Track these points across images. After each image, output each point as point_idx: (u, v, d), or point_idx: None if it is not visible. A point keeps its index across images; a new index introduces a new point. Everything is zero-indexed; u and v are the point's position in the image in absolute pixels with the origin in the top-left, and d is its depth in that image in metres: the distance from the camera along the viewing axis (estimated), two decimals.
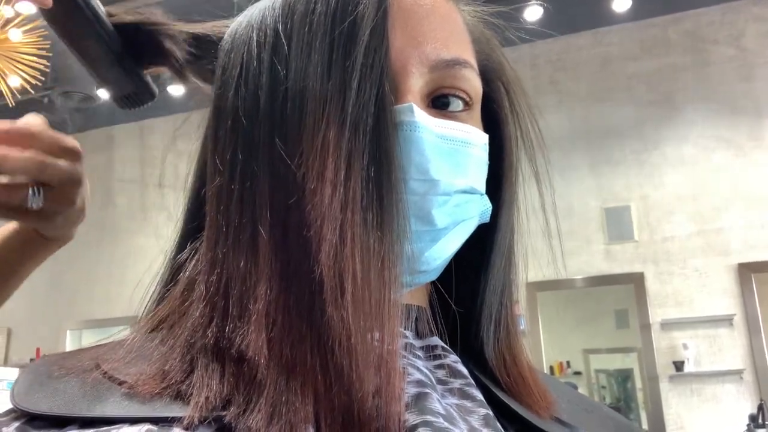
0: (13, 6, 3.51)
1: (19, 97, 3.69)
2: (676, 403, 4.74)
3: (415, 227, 0.44)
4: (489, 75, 0.54)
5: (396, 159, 0.41)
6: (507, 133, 0.54)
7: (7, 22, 3.49)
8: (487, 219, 0.51)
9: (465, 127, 0.48)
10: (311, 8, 0.44)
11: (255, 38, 0.46)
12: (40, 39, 3.55)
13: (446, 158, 0.46)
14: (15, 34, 3.48)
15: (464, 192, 0.47)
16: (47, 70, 3.60)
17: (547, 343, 5.26)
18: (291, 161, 0.41)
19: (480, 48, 0.54)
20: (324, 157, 0.40)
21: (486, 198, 0.51)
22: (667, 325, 4.86)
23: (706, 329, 4.78)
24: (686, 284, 4.88)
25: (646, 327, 4.92)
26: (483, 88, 0.51)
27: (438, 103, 0.47)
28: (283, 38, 0.44)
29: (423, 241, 0.45)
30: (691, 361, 4.72)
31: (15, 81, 3.59)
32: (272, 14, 0.46)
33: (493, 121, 0.54)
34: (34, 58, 3.54)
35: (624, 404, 5.89)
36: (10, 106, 3.62)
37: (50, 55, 3.59)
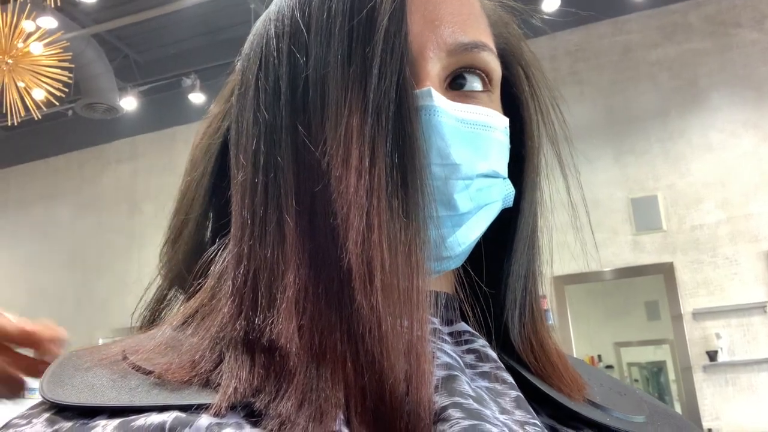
0: (34, 20, 3.57)
1: (44, 109, 3.74)
2: (711, 394, 4.68)
3: (439, 212, 0.43)
4: (508, 59, 0.54)
5: (419, 144, 0.41)
6: (528, 116, 0.54)
7: (28, 36, 3.55)
8: (510, 203, 0.51)
9: (485, 111, 0.47)
10: None
11: (273, 30, 0.46)
12: (61, 51, 3.60)
13: (467, 142, 0.46)
14: (36, 48, 3.54)
15: (486, 176, 0.47)
16: (70, 81, 3.65)
17: (577, 338, 5.22)
18: (315, 149, 0.41)
19: (498, 32, 0.53)
20: (348, 144, 0.40)
21: (508, 182, 0.50)
22: (699, 315, 4.79)
23: (739, 318, 4.71)
24: (717, 273, 4.81)
25: (677, 317, 4.86)
26: (503, 72, 0.51)
27: (455, 84, 0.47)
28: (302, 26, 0.44)
29: (446, 226, 0.45)
30: (725, 350, 4.66)
31: (39, 94, 3.64)
32: (289, 4, 0.47)
33: (513, 105, 0.54)
34: (57, 71, 3.60)
35: (658, 397, 5.82)
36: (36, 119, 3.68)
37: (72, 66, 3.64)
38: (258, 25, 0.50)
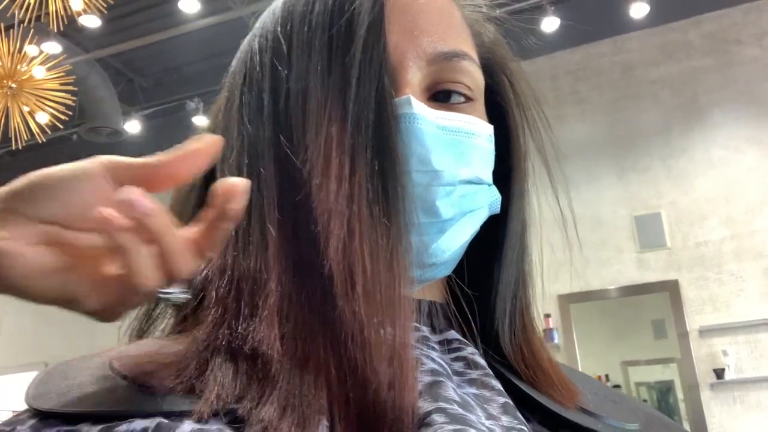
0: (38, 45, 3.60)
1: (49, 133, 3.76)
2: (719, 412, 4.63)
3: (420, 219, 0.44)
4: (492, 68, 0.54)
5: (399, 151, 0.42)
6: (513, 124, 0.54)
7: (32, 60, 3.58)
8: (497, 210, 0.51)
9: (467, 118, 0.48)
10: (310, 8, 0.45)
11: (257, 45, 0.48)
12: (63, 74, 3.63)
13: (449, 149, 0.46)
14: (39, 72, 3.57)
15: (469, 182, 0.47)
16: (74, 104, 3.67)
17: (583, 357, 5.18)
18: (296, 158, 0.41)
19: (481, 41, 0.54)
20: (328, 152, 0.40)
21: (494, 188, 0.51)
22: (706, 332, 4.76)
23: (745, 334, 4.68)
24: (722, 289, 4.79)
25: (683, 335, 4.83)
26: (486, 81, 0.52)
27: (439, 96, 0.48)
28: (282, 40, 0.45)
29: (429, 233, 0.45)
30: (732, 368, 4.62)
31: (43, 118, 3.67)
32: (272, 19, 0.48)
33: (499, 114, 0.54)
34: (61, 94, 3.62)
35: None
36: (40, 142, 3.70)
37: (76, 89, 3.67)
38: (244, 42, 0.51)
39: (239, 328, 0.40)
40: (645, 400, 5.91)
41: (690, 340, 4.79)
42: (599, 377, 5.60)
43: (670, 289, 4.92)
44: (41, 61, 3.60)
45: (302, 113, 0.42)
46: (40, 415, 0.38)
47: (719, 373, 4.63)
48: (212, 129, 0.54)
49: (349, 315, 0.38)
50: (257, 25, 0.50)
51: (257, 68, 0.46)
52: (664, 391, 5.91)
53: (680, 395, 5.45)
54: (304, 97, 0.43)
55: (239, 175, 0.44)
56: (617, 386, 5.77)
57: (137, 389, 0.38)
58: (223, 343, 0.40)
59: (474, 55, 0.50)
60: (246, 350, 0.39)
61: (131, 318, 0.52)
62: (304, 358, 0.38)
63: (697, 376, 4.73)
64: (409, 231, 0.41)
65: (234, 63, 0.50)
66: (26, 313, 6.75)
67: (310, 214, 0.40)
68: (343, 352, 0.37)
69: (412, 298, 0.40)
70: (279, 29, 0.46)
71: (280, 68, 0.44)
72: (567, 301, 5.05)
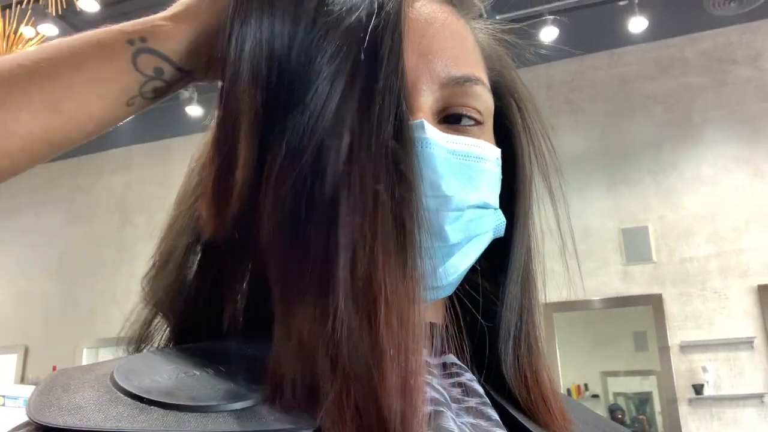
0: (34, 26, 3.57)
1: None
2: (696, 428, 4.66)
3: (429, 243, 0.43)
4: (501, 91, 0.54)
5: (417, 177, 0.41)
6: (519, 148, 0.54)
7: (28, 41, 3.55)
8: (501, 233, 0.51)
9: (477, 142, 0.48)
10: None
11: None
12: None
13: (458, 174, 0.46)
14: None
15: (477, 207, 0.47)
16: None
17: (564, 366, 5.21)
18: (313, 189, 0.40)
19: (492, 64, 0.54)
20: (353, 181, 0.39)
21: (500, 212, 0.51)
22: (687, 348, 4.79)
23: (726, 352, 4.71)
24: (705, 306, 4.82)
25: (664, 349, 4.85)
26: (495, 103, 0.52)
27: (450, 119, 0.48)
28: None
29: (437, 257, 0.45)
30: (711, 384, 4.65)
31: None
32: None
33: (505, 136, 0.54)
34: None
35: (643, 429, 5.80)
36: None
37: None
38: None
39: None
40: (622, 410, 5.95)
41: (671, 355, 4.82)
42: (578, 386, 5.62)
43: (654, 303, 4.95)
44: (37, 42, 3.57)
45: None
46: (42, 430, 0.38)
47: (698, 389, 4.66)
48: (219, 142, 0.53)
49: (369, 345, 0.37)
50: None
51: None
52: (642, 403, 5.95)
53: (657, 407, 5.49)
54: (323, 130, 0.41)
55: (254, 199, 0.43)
56: (596, 396, 5.80)
57: (139, 407, 0.38)
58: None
59: (485, 79, 0.50)
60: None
61: (129, 323, 0.52)
62: (317, 389, 0.37)
63: (675, 391, 4.75)
64: (424, 258, 0.41)
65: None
66: (7, 296, 6.70)
67: (335, 243, 0.39)
68: (359, 382, 0.37)
69: (424, 327, 0.40)
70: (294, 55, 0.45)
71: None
72: (551, 309, 5.07)
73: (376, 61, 0.42)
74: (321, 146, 0.40)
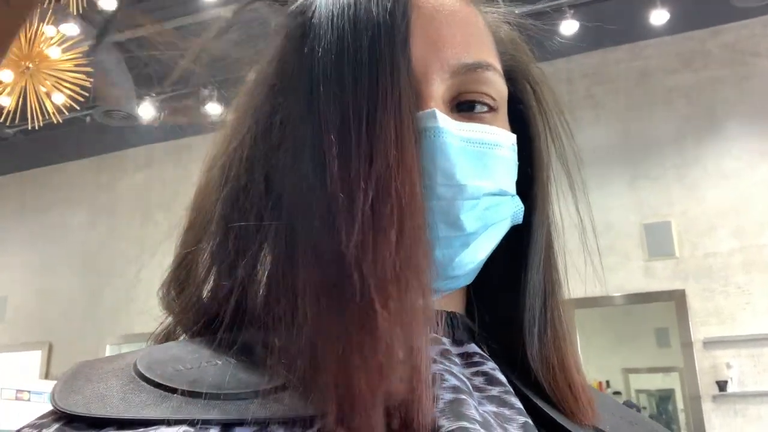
0: (56, 26, 3.61)
1: (66, 114, 3.77)
2: (719, 425, 4.61)
3: (445, 233, 0.44)
4: (514, 75, 0.54)
5: (424, 165, 0.41)
6: (535, 131, 0.54)
7: (47, 40, 3.58)
8: (519, 220, 0.51)
9: (491, 129, 0.47)
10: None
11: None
12: (79, 55, 3.64)
13: (473, 161, 0.45)
14: (54, 52, 3.57)
15: (493, 195, 0.47)
16: (89, 85, 3.67)
17: (585, 362, 5.17)
18: (320, 184, 0.41)
19: (504, 49, 0.53)
20: (355, 178, 0.40)
21: (517, 199, 0.50)
22: (710, 344, 4.74)
23: (749, 348, 4.65)
24: (729, 302, 4.77)
25: (687, 345, 4.81)
26: (509, 88, 0.51)
27: (463, 107, 0.47)
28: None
29: (453, 246, 0.45)
30: (735, 380, 4.60)
31: (59, 98, 3.67)
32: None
33: (521, 121, 0.53)
34: (76, 75, 3.63)
35: (665, 426, 5.75)
36: (55, 123, 3.71)
37: (91, 70, 3.67)
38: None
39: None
40: (644, 407, 5.91)
41: (694, 351, 4.77)
42: (600, 383, 5.59)
43: (676, 299, 4.90)
44: (58, 41, 3.61)
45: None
46: (66, 418, 0.38)
47: (722, 386, 4.61)
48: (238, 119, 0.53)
49: (381, 330, 0.37)
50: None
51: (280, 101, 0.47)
52: (663, 400, 5.90)
53: (680, 405, 5.44)
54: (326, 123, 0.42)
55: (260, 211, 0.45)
56: (617, 393, 5.76)
57: (162, 395, 0.38)
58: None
59: (497, 64, 0.50)
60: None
61: (154, 318, 0.52)
62: (329, 381, 0.37)
63: (699, 388, 4.71)
64: (433, 246, 0.40)
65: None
66: (31, 293, 6.79)
67: (340, 235, 0.39)
68: (369, 367, 0.36)
69: (433, 313, 0.40)
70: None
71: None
72: (572, 306, 5.03)
73: (382, 51, 0.42)
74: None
